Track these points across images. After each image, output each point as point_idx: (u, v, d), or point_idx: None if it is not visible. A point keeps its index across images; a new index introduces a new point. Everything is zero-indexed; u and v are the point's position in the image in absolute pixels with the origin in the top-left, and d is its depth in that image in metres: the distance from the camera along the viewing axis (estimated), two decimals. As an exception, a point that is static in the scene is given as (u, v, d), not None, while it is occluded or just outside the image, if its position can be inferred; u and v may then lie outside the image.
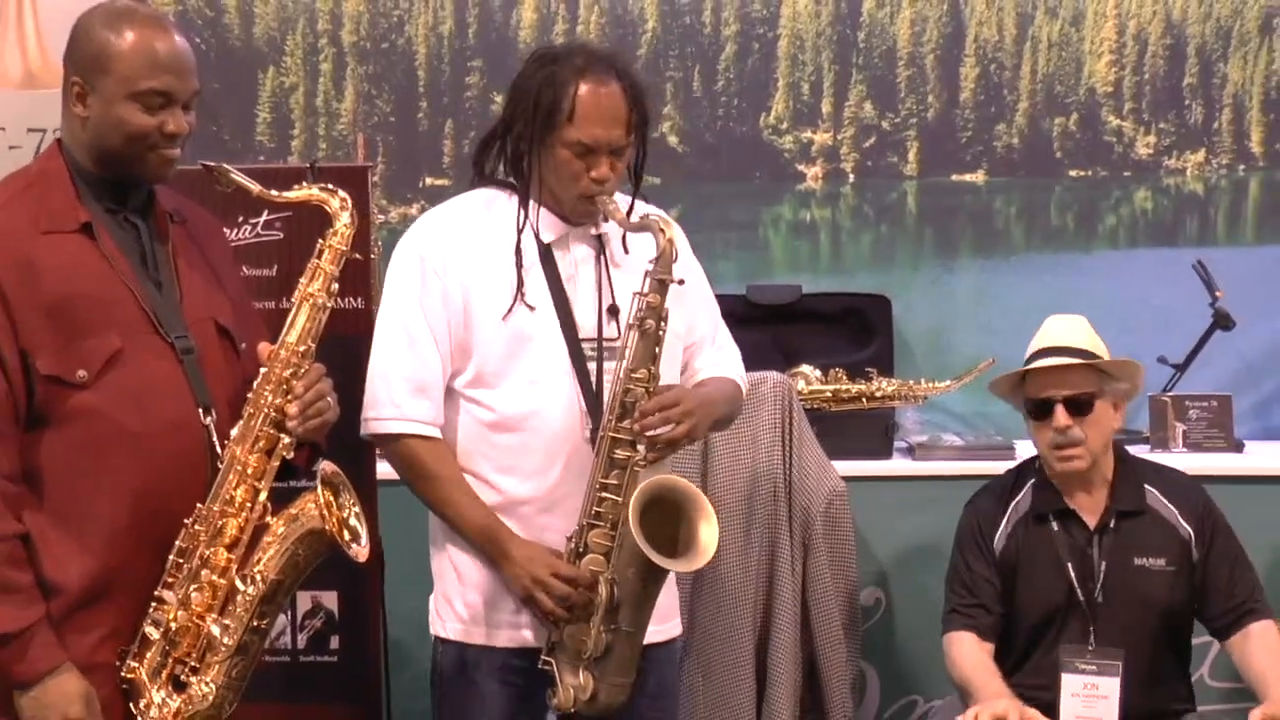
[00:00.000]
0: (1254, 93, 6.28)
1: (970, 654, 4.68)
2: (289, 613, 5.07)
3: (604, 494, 3.89)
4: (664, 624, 4.17)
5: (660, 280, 3.89)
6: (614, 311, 4.04)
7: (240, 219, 4.97)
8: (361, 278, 5.00)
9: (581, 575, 3.88)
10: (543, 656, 3.97)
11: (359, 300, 4.98)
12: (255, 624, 3.56)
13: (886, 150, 6.39)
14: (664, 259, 3.90)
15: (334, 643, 5.10)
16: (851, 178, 6.40)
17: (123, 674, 3.52)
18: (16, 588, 3.38)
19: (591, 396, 3.99)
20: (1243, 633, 4.67)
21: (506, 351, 3.99)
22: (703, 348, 4.23)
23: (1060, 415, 4.63)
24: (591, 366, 4.01)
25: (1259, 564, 4.92)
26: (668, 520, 3.91)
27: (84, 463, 3.46)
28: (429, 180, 6.27)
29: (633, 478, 3.88)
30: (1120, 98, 6.33)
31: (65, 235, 3.49)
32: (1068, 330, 4.80)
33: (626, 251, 4.09)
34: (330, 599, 5.09)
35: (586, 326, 4.03)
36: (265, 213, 5.00)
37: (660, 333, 3.90)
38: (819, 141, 6.39)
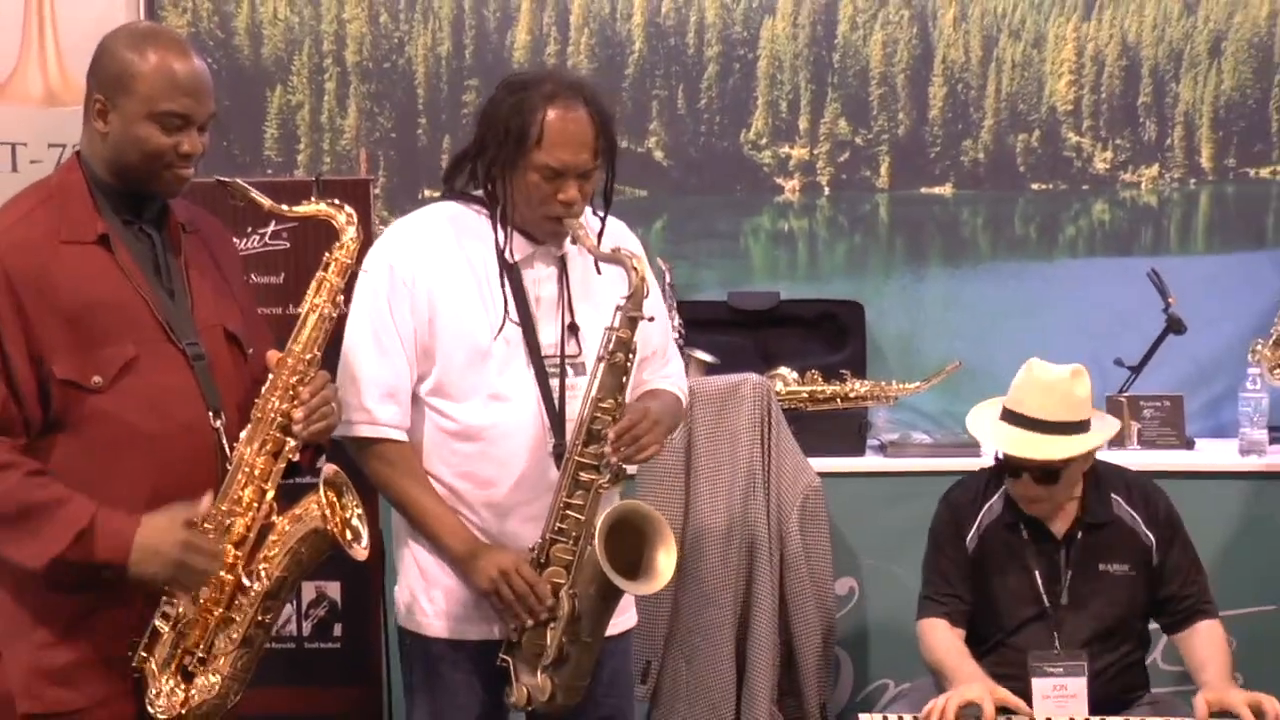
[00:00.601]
0: (1204, 111, 6.29)
1: (944, 639, 4.68)
2: (295, 602, 5.10)
3: (568, 512, 3.89)
4: (619, 617, 4.14)
5: (632, 317, 3.89)
6: (574, 329, 4.03)
7: (249, 229, 5.01)
8: (362, 286, 5.01)
9: (541, 583, 3.88)
10: (501, 655, 3.97)
11: (360, 308, 4.98)
12: (260, 618, 3.56)
13: (860, 164, 6.39)
14: (635, 296, 3.89)
15: (337, 630, 5.14)
16: (827, 190, 6.40)
17: (133, 664, 3.52)
18: (61, 496, 3.39)
19: (553, 411, 3.98)
20: (1190, 629, 4.69)
21: (469, 363, 3.97)
22: (652, 362, 4.22)
23: (1028, 485, 4.61)
24: (554, 383, 3.99)
25: (1208, 554, 4.95)
26: (630, 543, 3.92)
27: (100, 465, 3.45)
28: (428, 192, 6.25)
29: (595, 499, 3.88)
30: (1079, 116, 6.34)
31: (83, 246, 3.49)
32: (1051, 399, 4.63)
33: (599, 273, 4.07)
34: (334, 589, 5.12)
35: (547, 343, 4.01)
36: (273, 224, 5.04)
37: (628, 365, 3.90)
38: (796, 156, 6.39)
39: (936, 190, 6.39)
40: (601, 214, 4.09)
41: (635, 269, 3.88)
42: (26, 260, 3.42)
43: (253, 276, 4.98)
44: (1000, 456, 4.68)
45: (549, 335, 4.01)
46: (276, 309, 4.97)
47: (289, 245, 5.04)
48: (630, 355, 3.90)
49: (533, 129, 3.88)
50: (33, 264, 3.42)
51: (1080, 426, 4.61)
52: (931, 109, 6.36)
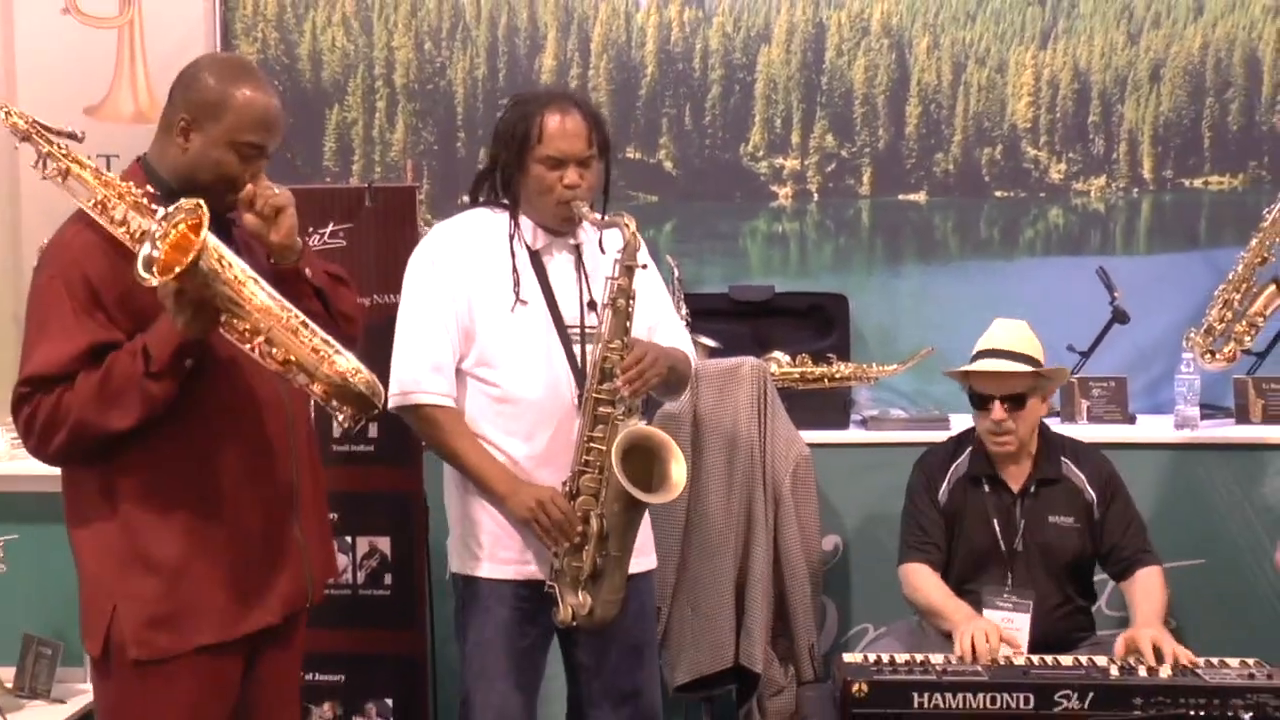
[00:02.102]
0: (1145, 129, 6.29)
1: (931, 581, 4.77)
2: (350, 554, 5.12)
3: (591, 444, 4.01)
4: (642, 558, 4.27)
5: (628, 266, 4.02)
6: (592, 305, 4.15)
7: (310, 230, 5.02)
8: (407, 278, 5.04)
9: (572, 510, 4.00)
10: (547, 582, 4.08)
11: (405, 297, 5.01)
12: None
13: (845, 174, 6.40)
14: (629, 249, 4.02)
15: (387, 579, 5.16)
16: (816, 197, 6.41)
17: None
18: (114, 356, 3.36)
19: (577, 372, 4.11)
20: (1132, 577, 4.75)
21: (505, 337, 4.12)
22: (658, 329, 4.32)
23: (997, 410, 4.71)
24: (576, 349, 4.12)
25: (1146, 514, 4.99)
26: (645, 462, 4.03)
27: (187, 428, 3.47)
28: (466, 198, 6.21)
29: (613, 429, 3.99)
30: (1037, 132, 6.34)
31: None
32: (1010, 335, 4.85)
33: (603, 252, 4.19)
34: (384, 543, 5.15)
35: (569, 317, 4.15)
36: (330, 224, 5.05)
37: (630, 309, 4.03)
38: (789, 167, 6.39)
39: (912, 197, 6.40)
40: (599, 215, 4.15)
41: (627, 226, 4.02)
42: (101, 260, 3.40)
43: (311, 271, 5.02)
44: (971, 392, 4.82)
45: (570, 310, 4.16)
46: (334, 300, 5.01)
47: (346, 244, 5.06)
48: (630, 300, 4.02)
49: (534, 130, 4.07)
50: (107, 263, 3.39)
51: (1037, 363, 4.77)
52: (908, 126, 6.37)
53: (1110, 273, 6.03)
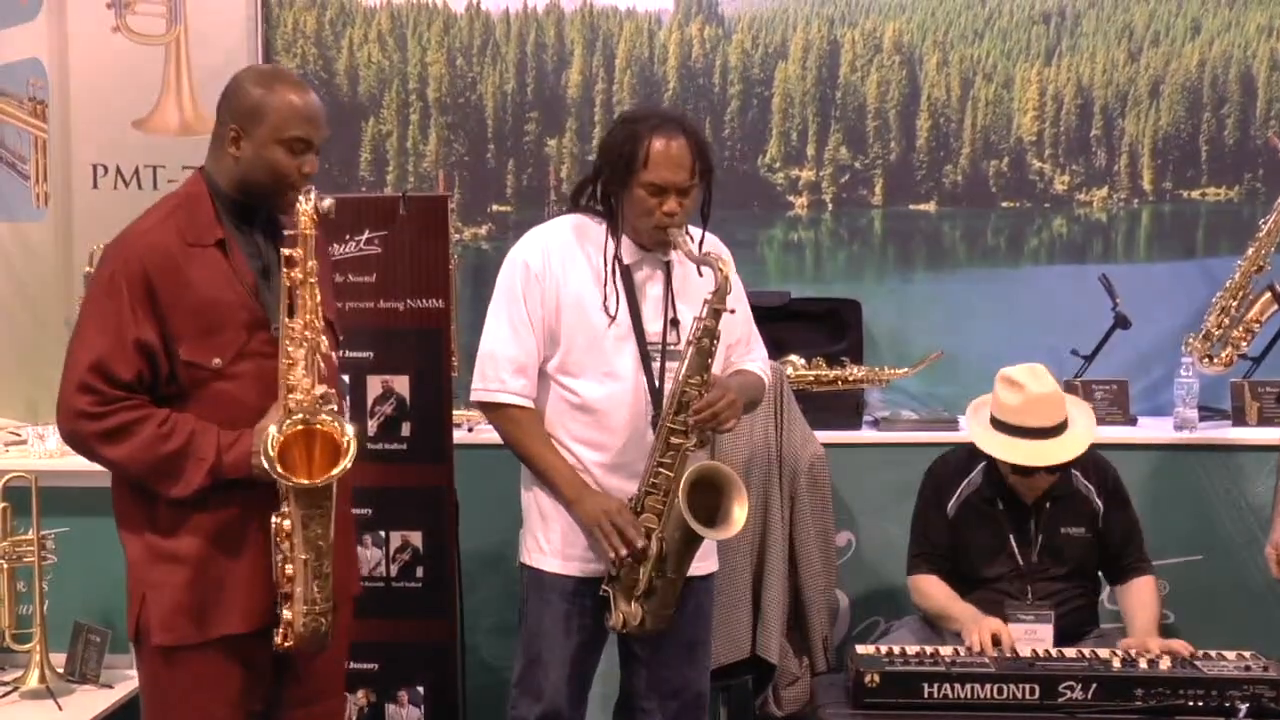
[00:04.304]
0: (1145, 143, 6.26)
1: (941, 590, 4.76)
2: (384, 548, 5.11)
3: (659, 469, 3.99)
4: (704, 561, 4.24)
5: (716, 309, 3.96)
6: (675, 323, 4.10)
7: (347, 237, 5.04)
8: (443, 282, 5.03)
9: (635, 525, 3.98)
10: (603, 585, 4.07)
11: (440, 301, 5.00)
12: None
13: (858, 185, 6.37)
14: (720, 292, 3.95)
15: (419, 572, 5.14)
16: (830, 207, 6.39)
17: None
18: (183, 443, 3.46)
19: (654, 389, 4.06)
20: (1128, 584, 4.77)
21: (588, 348, 4.08)
22: (738, 348, 4.31)
23: (1042, 478, 4.67)
24: (655, 365, 4.08)
25: (1147, 513, 5.00)
26: (710, 496, 4.00)
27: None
28: (495, 207, 6.29)
29: (683, 458, 3.97)
30: (1042, 145, 6.31)
31: (205, 248, 3.51)
32: (1043, 408, 4.65)
33: (701, 274, 4.11)
34: (416, 538, 5.13)
35: (652, 332, 4.10)
36: (366, 231, 5.05)
37: (712, 349, 3.98)
38: (805, 178, 6.37)
39: (922, 207, 6.37)
40: (701, 228, 4.16)
41: (721, 269, 3.95)
42: (161, 260, 3.46)
43: (349, 276, 5.01)
44: (1013, 462, 4.65)
45: (654, 326, 4.11)
46: (370, 303, 5.02)
47: (381, 250, 5.05)
48: (714, 341, 3.97)
49: (640, 153, 3.98)
50: (166, 263, 3.46)
51: (1079, 444, 4.68)
52: (918, 139, 6.34)
53: (1112, 280, 6.00)
